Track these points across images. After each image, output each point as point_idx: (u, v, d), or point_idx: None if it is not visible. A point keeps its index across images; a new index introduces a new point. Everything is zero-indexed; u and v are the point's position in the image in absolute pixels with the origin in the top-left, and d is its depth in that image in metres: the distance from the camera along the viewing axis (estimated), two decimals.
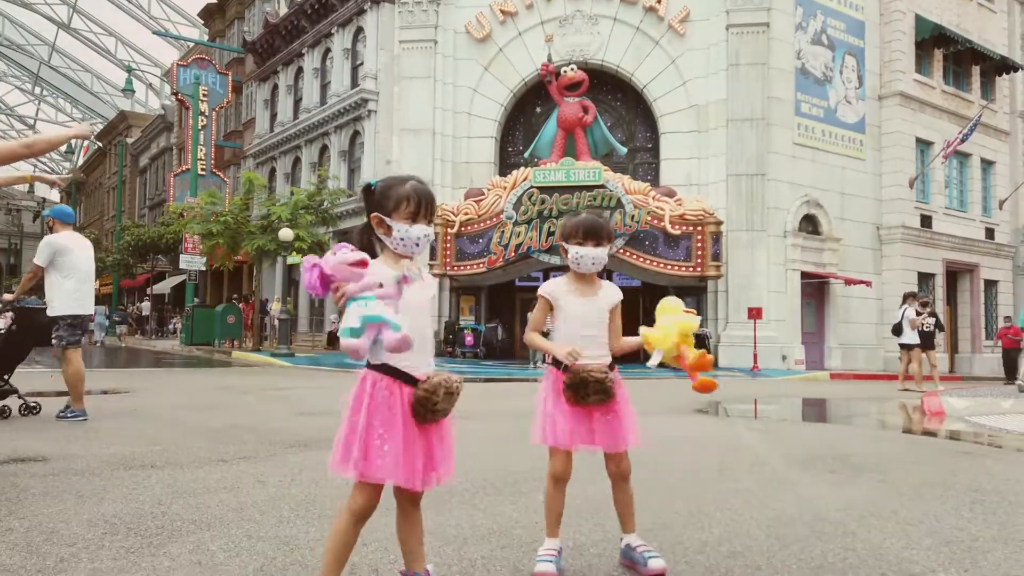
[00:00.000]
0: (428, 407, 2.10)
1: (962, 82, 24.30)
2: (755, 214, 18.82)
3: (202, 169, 30.44)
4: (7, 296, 7.99)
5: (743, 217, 18.81)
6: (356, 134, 23.86)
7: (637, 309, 20.53)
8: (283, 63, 28.17)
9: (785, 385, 14.41)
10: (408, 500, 2.25)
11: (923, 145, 22.45)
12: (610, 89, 21.11)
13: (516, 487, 4.10)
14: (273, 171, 28.63)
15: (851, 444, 6.14)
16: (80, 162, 61.42)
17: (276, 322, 20.98)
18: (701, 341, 17.99)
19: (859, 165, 21.23)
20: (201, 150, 30.60)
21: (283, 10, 28.10)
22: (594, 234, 2.75)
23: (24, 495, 3.72)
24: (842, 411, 9.93)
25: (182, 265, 26.76)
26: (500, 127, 21.48)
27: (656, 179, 20.05)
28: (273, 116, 29.21)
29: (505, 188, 18.76)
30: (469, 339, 19.46)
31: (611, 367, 2.77)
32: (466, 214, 19.04)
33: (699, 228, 17.73)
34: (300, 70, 27.40)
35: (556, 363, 2.75)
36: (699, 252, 17.65)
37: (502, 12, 20.96)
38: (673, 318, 2.73)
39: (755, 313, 17.61)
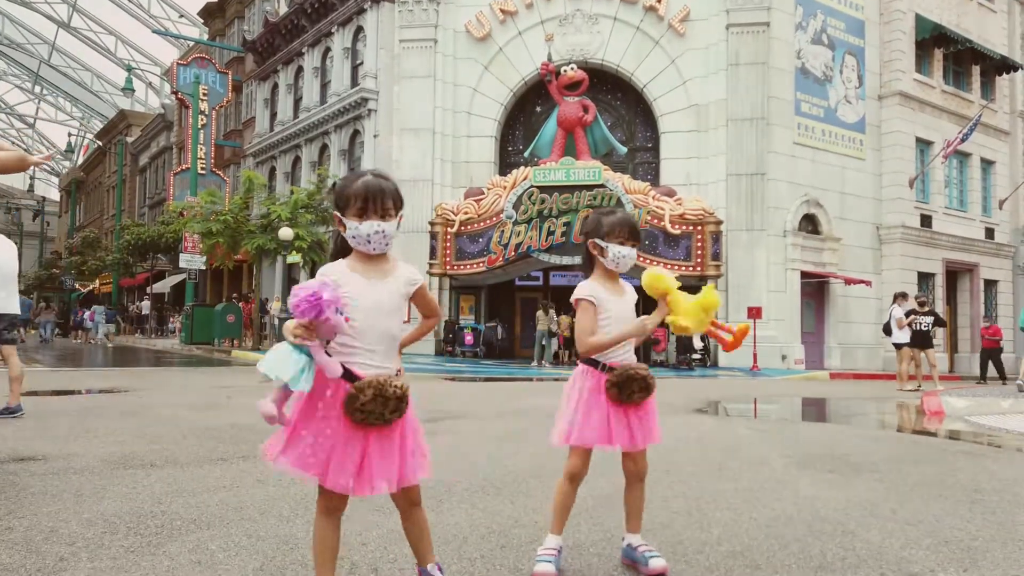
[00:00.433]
0: (353, 406, 2.04)
1: (962, 82, 24.30)
2: (755, 214, 18.82)
3: (202, 168, 30.42)
4: None
5: (743, 217, 18.81)
6: (356, 133, 23.86)
7: (637, 309, 20.54)
8: (283, 62, 28.17)
9: (785, 385, 14.41)
10: (403, 499, 2.26)
11: (923, 145, 22.45)
12: (610, 88, 21.10)
13: (516, 486, 4.10)
14: (273, 170, 28.63)
15: (850, 444, 6.14)
16: (80, 161, 61.43)
17: (276, 321, 20.98)
18: (701, 340, 18.01)
19: (859, 165, 21.23)
20: (201, 149, 30.58)
21: (283, 9, 28.10)
22: (636, 235, 2.79)
23: (23, 494, 3.72)
24: (841, 411, 9.93)
25: (182, 264, 26.75)
26: (500, 126, 21.48)
27: (656, 179, 20.05)
28: (273, 115, 29.20)
29: (505, 187, 18.76)
30: (469, 338, 19.46)
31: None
32: (466, 213, 19.04)
33: (699, 228, 17.74)
34: (300, 69, 27.40)
35: (592, 363, 2.73)
36: (699, 251, 17.65)
37: (502, 11, 20.96)
38: (691, 298, 2.72)
39: (755, 313, 17.62)
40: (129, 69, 35.35)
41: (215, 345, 23.09)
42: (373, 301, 2.16)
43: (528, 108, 21.70)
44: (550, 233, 17.76)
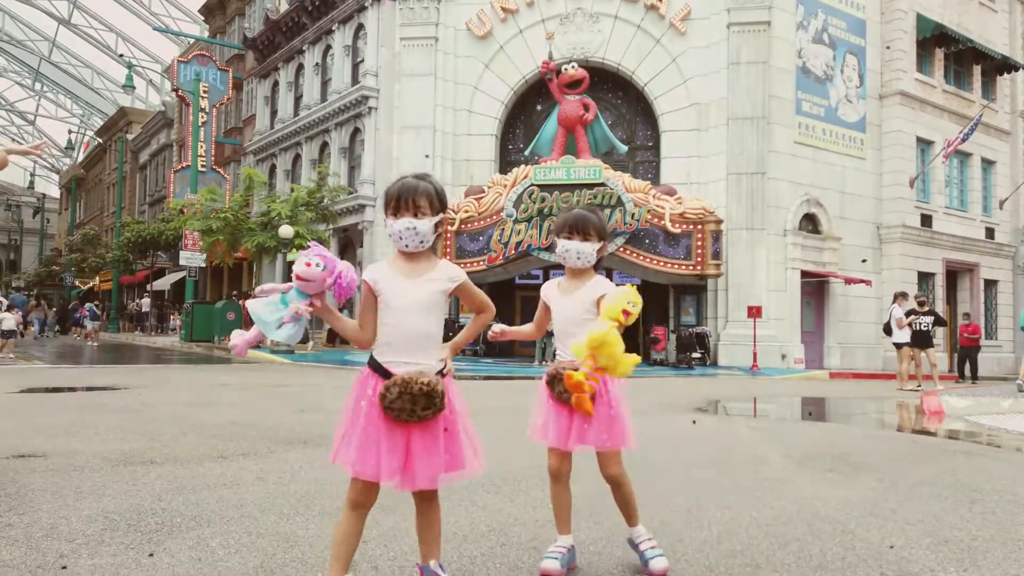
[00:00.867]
0: (384, 403, 2.14)
1: (963, 81, 24.28)
2: (755, 213, 18.81)
3: (202, 165, 30.40)
4: None
5: (743, 216, 18.80)
6: (357, 131, 23.84)
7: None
8: (284, 60, 28.15)
9: (784, 384, 14.42)
10: (420, 497, 2.30)
11: (924, 144, 22.43)
12: (611, 87, 21.08)
13: (515, 485, 4.10)
14: (273, 168, 28.61)
15: (850, 443, 6.14)
16: (80, 158, 61.40)
17: None
18: (701, 340, 18.01)
19: (859, 164, 21.21)
20: (201, 146, 30.56)
21: (284, 7, 28.06)
22: (580, 228, 2.75)
23: (24, 491, 3.73)
24: (841, 410, 9.94)
25: (182, 262, 26.75)
26: (501, 125, 21.46)
27: (656, 177, 20.03)
28: (273, 113, 29.18)
29: (505, 186, 18.75)
30: None
31: None
32: (466, 212, 19.02)
33: (699, 227, 17.72)
34: (301, 67, 27.38)
35: (554, 358, 2.82)
36: (699, 250, 17.63)
37: (503, 9, 20.93)
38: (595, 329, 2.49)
39: (755, 312, 17.61)
40: (129, 66, 35.31)
41: (215, 343, 23.08)
42: (408, 299, 2.24)
43: (529, 106, 21.68)
44: (550, 232, 17.74)
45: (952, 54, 23.50)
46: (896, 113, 21.65)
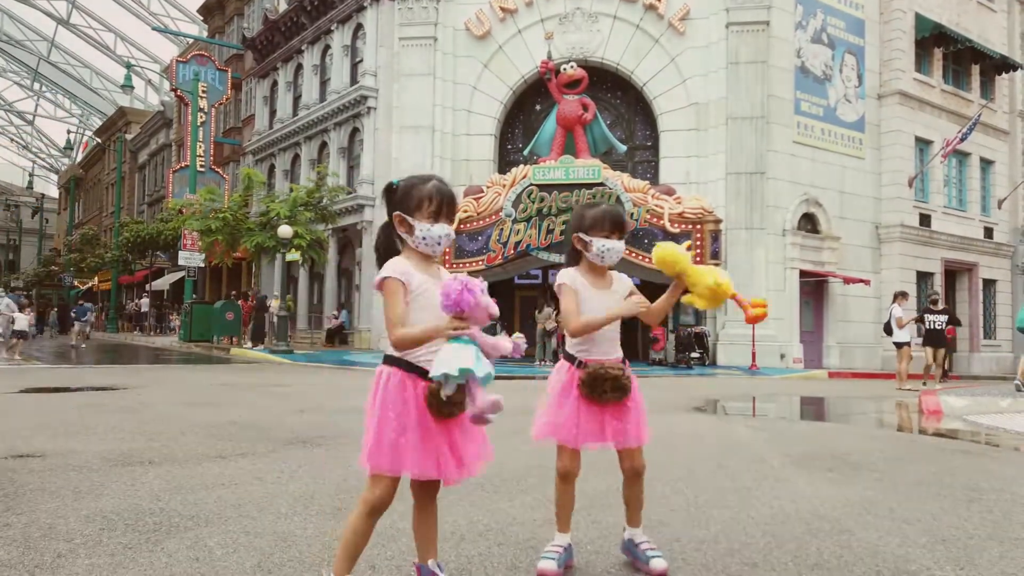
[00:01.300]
0: (440, 400, 2.11)
1: (962, 81, 24.30)
2: (754, 212, 18.82)
3: (201, 165, 30.39)
4: None
5: (742, 215, 18.80)
6: (355, 131, 23.84)
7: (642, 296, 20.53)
8: (282, 60, 28.14)
9: (783, 383, 14.42)
10: (424, 494, 2.30)
11: (922, 144, 22.45)
12: (610, 87, 21.09)
13: (514, 484, 4.10)
14: (272, 168, 28.61)
15: (848, 443, 6.15)
16: (79, 158, 61.36)
17: (275, 319, 20.97)
18: (700, 339, 18.02)
19: (858, 164, 21.22)
20: (200, 146, 30.55)
21: (282, 7, 28.06)
22: (620, 227, 2.74)
23: (21, 491, 3.73)
24: (840, 410, 9.94)
25: (181, 262, 26.74)
26: (500, 125, 21.46)
27: (655, 177, 20.04)
28: (272, 113, 29.18)
29: (504, 186, 18.75)
30: None
31: (624, 361, 2.75)
32: (465, 211, 19.02)
33: (698, 226, 17.73)
34: (300, 67, 27.38)
35: (570, 358, 2.73)
36: (698, 250, 17.64)
37: (502, 9, 20.93)
38: (706, 275, 2.66)
39: None
40: (128, 66, 35.29)
41: (214, 343, 23.08)
42: (434, 300, 2.20)
43: (528, 106, 21.68)
44: (549, 231, 17.75)
45: (951, 54, 23.51)
46: (895, 113, 21.66)
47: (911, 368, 14.02)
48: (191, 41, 39.39)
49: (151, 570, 2.61)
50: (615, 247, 2.71)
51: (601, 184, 18.01)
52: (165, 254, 36.02)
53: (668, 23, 19.97)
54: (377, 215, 21.74)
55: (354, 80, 23.95)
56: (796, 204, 19.32)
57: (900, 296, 14.35)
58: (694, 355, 17.73)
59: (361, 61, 23.72)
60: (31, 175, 65.61)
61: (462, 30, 21.23)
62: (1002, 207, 24.78)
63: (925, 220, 22.07)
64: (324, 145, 25.61)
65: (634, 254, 17.82)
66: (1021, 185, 25.34)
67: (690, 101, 19.77)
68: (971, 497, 4.05)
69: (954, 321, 14.13)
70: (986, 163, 24.51)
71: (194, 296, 27.06)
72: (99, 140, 55.47)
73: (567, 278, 2.74)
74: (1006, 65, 24.34)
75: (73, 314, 25.60)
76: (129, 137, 47.76)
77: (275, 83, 29.06)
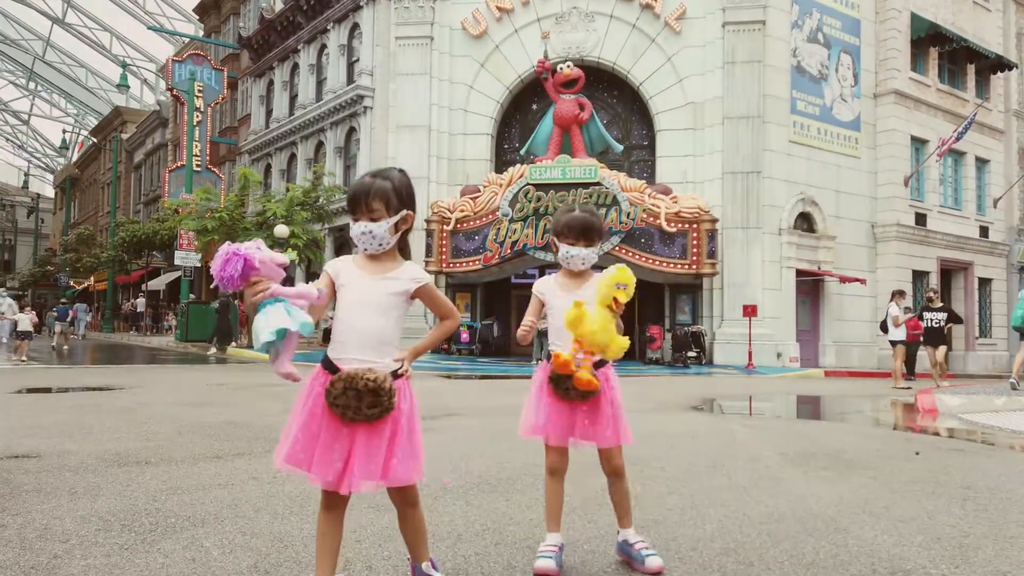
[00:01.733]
0: (328, 399, 2.09)
1: (957, 80, 24.35)
2: (750, 212, 18.84)
3: (197, 165, 30.33)
4: None
5: (738, 215, 18.83)
6: (352, 130, 23.81)
7: (632, 307, 20.55)
8: (279, 59, 28.09)
9: (780, 382, 14.45)
10: (399, 500, 2.29)
11: (918, 143, 22.49)
12: (606, 86, 21.09)
13: (510, 484, 4.11)
14: (268, 167, 28.56)
15: (844, 441, 6.16)
16: (74, 157, 61.21)
17: None
18: (697, 339, 18.04)
19: (854, 163, 21.26)
20: (196, 146, 30.48)
21: (278, 6, 28.01)
22: (586, 234, 2.76)
23: (17, 491, 3.72)
24: (836, 408, 9.97)
25: (177, 261, 26.67)
26: (496, 124, 21.45)
27: (652, 176, 20.05)
28: (269, 112, 29.13)
29: (501, 185, 18.75)
30: (465, 336, 19.46)
31: (600, 364, 2.75)
32: (462, 211, 19.03)
33: (695, 226, 17.75)
34: (296, 66, 27.33)
35: (549, 357, 2.76)
36: (695, 249, 17.66)
37: (498, 9, 20.92)
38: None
39: (750, 311, 17.64)
40: (124, 65, 35.21)
41: (210, 343, 23.03)
42: (361, 297, 2.20)
43: (524, 106, 21.68)
44: (546, 231, 17.72)
45: (946, 53, 23.56)
46: (890, 112, 21.71)
47: (917, 368, 13.98)
48: (187, 40, 39.30)
49: (147, 571, 2.61)
50: (579, 254, 2.76)
51: (598, 183, 18.02)
52: (161, 254, 35.96)
53: (664, 22, 19.98)
54: None
55: (350, 79, 23.92)
56: (792, 203, 19.35)
57: (897, 295, 14.32)
58: (691, 354, 17.76)
59: (357, 60, 23.69)
60: (26, 175, 65.41)
61: (458, 29, 21.23)
62: (997, 206, 24.83)
63: (921, 219, 22.12)
64: (320, 144, 25.58)
65: (630, 253, 17.85)
66: (1016, 184, 25.41)
67: (686, 100, 19.78)
68: (966, 496, 4.06)
69: (954, 318, 13.73)
70: (981, 162, 24.57)
71: (191, 296, 27.01)
72: (95, 140, 55.32)
73: (538, 285, 2.88)
74: (1001, 64, 24.40)
75: (54, 314, 24.32)
76: (125, 136, 47.64)
77: (271, 82, 29.01)
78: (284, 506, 3.53)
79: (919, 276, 21.96)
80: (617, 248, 17.79)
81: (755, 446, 5.73)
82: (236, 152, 32.49)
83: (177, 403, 7.90)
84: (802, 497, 3.95)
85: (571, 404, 2.69)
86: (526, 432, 2.78)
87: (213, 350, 20.74)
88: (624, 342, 2.54)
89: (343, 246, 24.74)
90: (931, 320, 13.34)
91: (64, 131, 61.46)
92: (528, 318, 2.78)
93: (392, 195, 2.21)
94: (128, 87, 35.57)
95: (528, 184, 18.32)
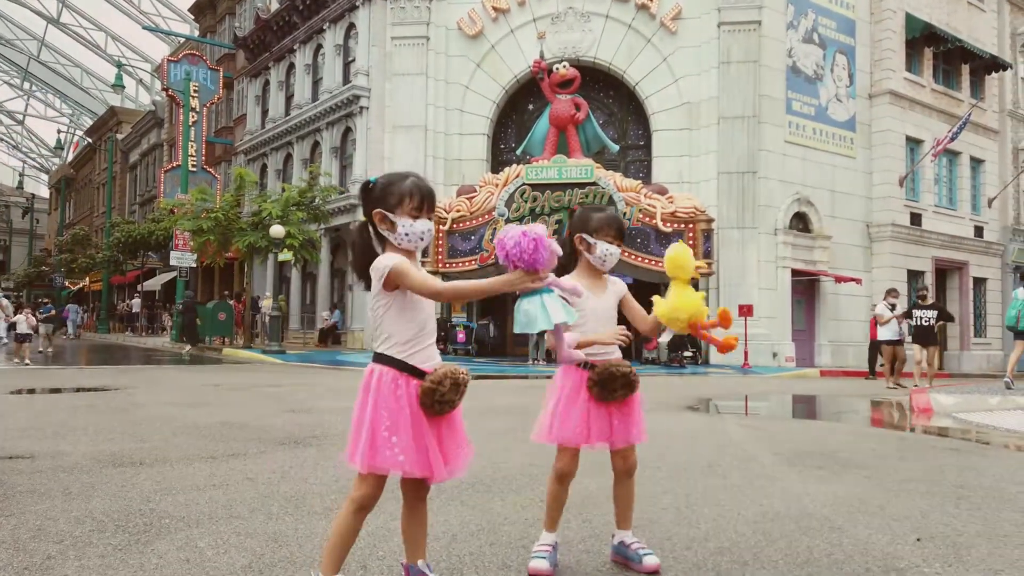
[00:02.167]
0: (435, 398, 2.13)
1: (952, 81, 24.42)
2: (746, 212, 18.87)
3: (193, 165, 30.25)
4: None
5: (734, 215, 18.86)
6: (348, 130, 23.79)
7: (636, 300, 20.55)
8: (274, 59, 28.06)
9: (775, 382, 14.47)
10: (414, 494, 2.30)
11: (913, 143, 22.56)
12: (602, 86, 21.11)
13: (506, 484, 4.11)
14: (264, 167, 28.52)
15: (839, 440, 6.17)
16: (69, 158, 61.04)
17: (267, 319, 20.93)
18: (693, 339, 18.01)
19: (849, 163, 21.31)
20: (192, 146, 30.41)
21: (274, 6, 27.97)
22: (622, 234, 2.80)
23: (11, 492, 3.71)
24: (831, 408, 9.99)
25: (172, 262, 26.57)
26: (492, 124, 21.46)
27: (648, 176, 20.08)
28: (264, 112, 29.09)
29: (497, 185, 18.76)
30: (461, 336, 19.45)
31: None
32: (458, 211, 19.03)
33: (690, 225, 17.77)
34: (292, 66, 27.30)
35: (586, 365, 2.71)
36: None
37: (494, 9, 20.93)
38: (684, 298, 2.68)
39: (746, 310, 17.67)
40: (119, 66, 35.13)
41: (206, 343, 22.99)
42: (418, 298, 2.23)
43: (520, 106, 21.69)
44: (577, 227, 17.74)
45: (941, 53, 23.63)
46: (885, 112, 21.77)
47: (906, 367, 13.74)
48: (182, 40, 39.23)
49: (141, 571, 2.60)
50: (616, 253, 2.77)
51: (594, 184, 18.04)
52: (157, 254, 35.88)
53: (660, 23, 20.01)
54: None
55: (346, 79, 23.90)
56: (788, 203, 19.39)
57: (889, 293, 13.95)
58: (687, 354, 17.78)
59: (353, 60, 23.67)
60: (21, 175, 65.22)
61: (454, 29, 21.22)
62: (992, 206, 24.93)
63: (916, 219, 22.18)
64: (316, 145, 25.55)
65: (627, 253, 17.84)
66: (1011, 184, 25.50)
67: (682, 101, 19.81)
68: (960, 495, 4.07)
69: (945, 316, 13.35)
70: (976, 162, 24.65)
71: (188, 293, 26.95)
72: (90, 140, 55.17)
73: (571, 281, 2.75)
74: (996, 65, 24.48)
75: (38, 315, 23.91)
76: (120, 137, 47.52)
77: (267, 82, 28.97)
78: (279, 506, 3.52)
79: (914, 276, 22.02)
80: None
81: (750, 446, 5.74)
82: (232, 152, 32.43)
83: (172, 404, 7.89)
84: (797, 496, 3.95)
85: (607, 406, 2.69)
86: (552, 438, 2.69)
87: (188, 348, 20.77)
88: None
89: (339, 246, 24.70)
90: (921, 318, 12.88)
91: (59, 131, 61.32)
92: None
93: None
94: (123, 87, 35.50)
95: (524, 184, 18.33)
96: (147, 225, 33.82)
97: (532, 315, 2.06)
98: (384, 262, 2.14)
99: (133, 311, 35.85)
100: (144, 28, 36.54)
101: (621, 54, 20.35)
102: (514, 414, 7.36)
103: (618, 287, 2.85)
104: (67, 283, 46.48)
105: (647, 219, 17.79)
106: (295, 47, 26.65)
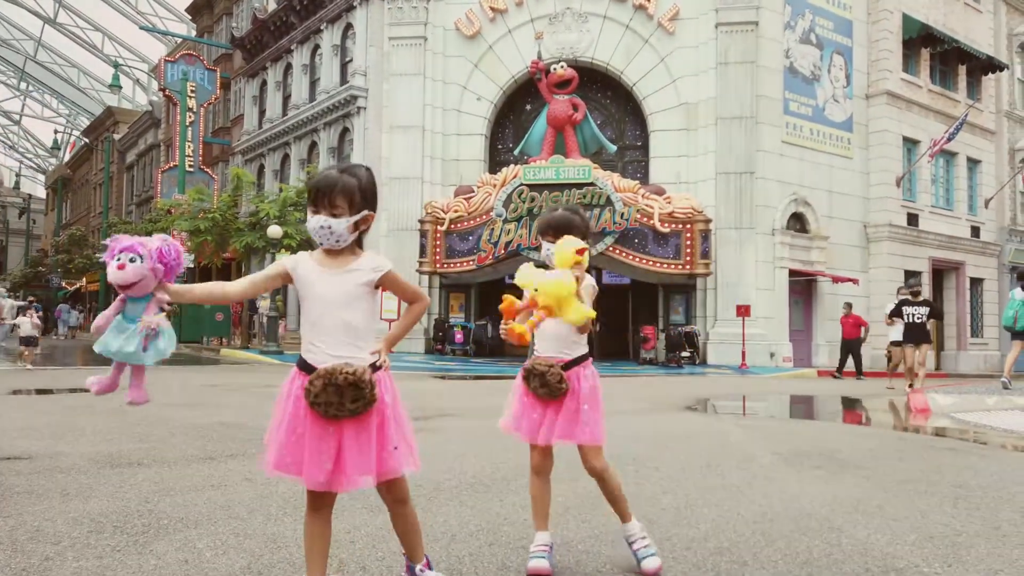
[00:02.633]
0: (308, 398, 2.06)
1: (948, 81, 24.47)
2: (744, 212, 18.89)
3: (190, 166, 30.24)
4: None
5: (732, 215, 18.88)
6: (345, 131, 23.77)
7: (626, 306, 20.59)
8: (272, 59, 28.02)
9: (773, 382, 14.49)
10: (388, 497, 2.28)
11: (910, 144, 22.59)
12: (600, 87, 21.12)
13: (504, 484, 4.10)
14: (262, 168, 28.49)
15: (837, 440, 6.18)
16: (66, 158, 60.92)
17: (264, 319, 20.90)
18: (690, 339, 18.06)
19: (847, 163, 21.34)
20: (189, 146, 30.40)
21: (271, 6, 27.94)
22: (556, 231, 2.74)
23: (8, 493, 3.70)
24: (829, 408, 10.00)
25: None
26: (490, 124, 21.45)
27: (645, 177, 20.09)
28: (262, 113, 29.05)
29: (495, 186, 18.76)
30: (459, 337, 19.44)
31: (577, 362, 2.73)
32: (456, 211, 19.03)
33: (688, 226, 17.78)
34: (289, 66, 27.27)
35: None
36: (688, 250, 17.70)
37: (492, 9, 20.92)
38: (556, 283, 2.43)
39: (743, 311, 17.69)
40: (116, 66, 35.07)
41: (203, 344, 22.97)
42: (324, 292, 2.16)
43: (518, 106, 21.68)
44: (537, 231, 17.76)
45: (938, 54, 23.67)
46: (882, 113, 21.80)
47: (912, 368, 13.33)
48: (179, 40, 39.16)
49: (140, 572, 2.59)
50: (551, 249, 2.73)
51: (591, 184, 18.04)
52: None
53: (658, 23, 20.02)
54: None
55: (344, 80, 23.89)
56: (785, 204, 19.42)
57: (899, 292, 13.39)
58: (684, 354, 17.78)
59: (351, 61, 23.66)
60: (18, 175, 65.08)
61: (452, 30, 21.22)
62: (989, 206, 24.98)
63: (913, 219, 22.22)
64: (314, 145, 25.53)
65: (624, 254, 17.88)
66: (1007, 184, 25.56)
67: (680, 101, 19.82)
68: (958, 494, 4.08)
69: (936, 314, 12.59)
70: (973, 163, 24.70)
71: None
72: (87, 140, 55.07)
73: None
74: (992, 65, 24.53)
75: (60, 315, 23.24)
76: (117, 137, 47.45)
77: (264, 83, 28.94)
78: (277, 507, 3.52)
79: (911, 276, 22.05)
80: (611, 248, 17.81)
81: (749, 446, 5.74)
82: (229, 152, 32.40)
83: (169, 404, 7.87)
84: (796, 496, 3.96)
85: (543, 402, 2.70)
86: (503, 426, 2.82)
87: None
88: (586, 310, 2.45)
89: None
90: (912, 315, 12.17)
91: (56, 131, 61.16)
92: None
93: (357, 193, 2.17)
94: (120, 87, 35.45)
95: (522, 184, 18.33)
96: (144, 225, 33.73)
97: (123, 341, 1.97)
98: (283, 259, 2.24)
99: None
100: (141, 28, 36.45)
101: (619, 54, 20.36)
102: None
103: (585, 283, 2.69)
104: (64, 284, 46.38)
105: (645, 219, 17.80)
106: (292, 47, 26.63)
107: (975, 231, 24.48)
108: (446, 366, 16.07)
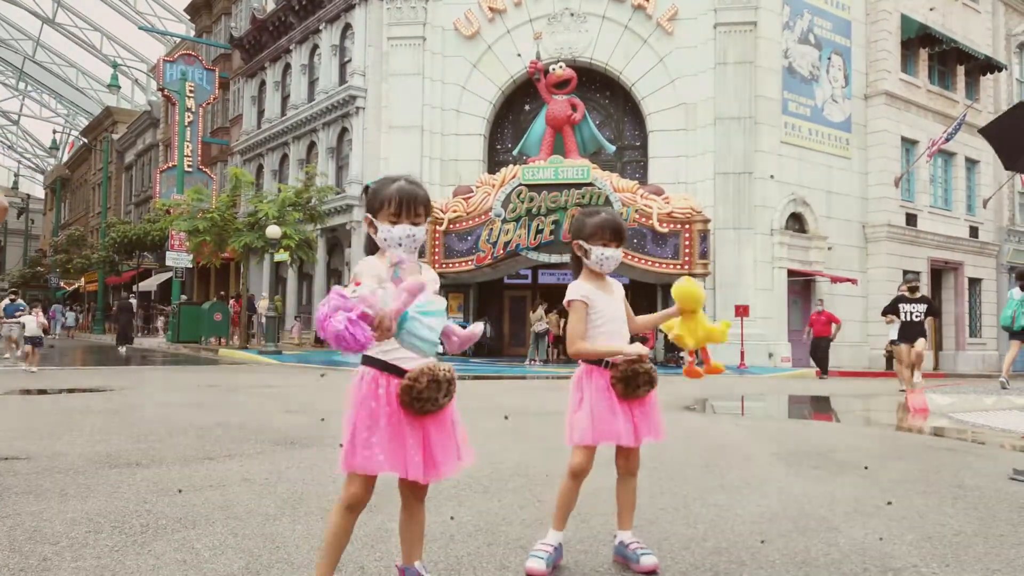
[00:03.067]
0: (412, 395, 2.11)
1: (947, 81, 24.50)
2: (742, 212, 18.90)
3: (189, 165, 30.22)
4: None
5: (730, 215, 18.89)
6: (344, 131, 23.77)
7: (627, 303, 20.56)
8: (270, 59, 28.02)
9: (772, 382, 14.49)
10: (411, 495, 2.30)
11: (908, 144, 22.62)
12: (598, 87, 21.13)
13: (503, 484, 4.10)
14: (260, 168, 28.48)
15: (836, 440, 6.18)
16: (65, 158, 60.88)
17: (263, 320, 20.88)
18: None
19: (845, 164, 21.36)
20: (188, 146, 30.37)
21: (270, 6, 27.94)
22: (620, 235, 2.79)
23: (6, 493, 3.69)
24: (827, 408, 10.00)
25: (168, 262, 26.57)
26: (489, 125, 21.46)
27: (644, 177, 20.10)
28: (260, 112, 29.04)
29: (494, 186, 18.75)
30: None
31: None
32: (455, 212, 19.01)
33: (687, 226, 17.79)
34: (288, 66, 27.27)
35: (595, 362, 2.75)
36: (687, 250, 17.70)
37: (491, 9, 20.93)
38: (703, 325, 3.09)
39: (742, 311, 17.70)
40: (115, 66, 35.04)
41: (202, 344, 22.95)
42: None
43: (517, 106, 21.70)
44: (539, 231, 17.76)
45: (936, 54, 23.70)
46: (881, 113, 21.82)
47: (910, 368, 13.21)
48: (178, 40, 39.15)
49: (138, 572, 2.59)
50: (614, 255, 2.78)
51: (590, 184, 18.04)
52: (152, 255, 35.80)
53: (656, 23, 20.03)
54: None
55: (342, 80, 23.89)
56: (784, 204, 19.43)
57: (900, 288, 13.19)
58: (683, 354, 17.78)
59: (349, 61, 23.66)
60: (16, 175, 65.00)
61: (451, 30, 21.22)
62: (987, 206, 24.98)
63: (911, 219, 22.24)
64: (313, 145, 25.53)
65: (624, 254, 17.82)
66: (1006, 184, 25.57)
67: (679, 101, 19.83)
68: (956, 494, 4.08)
69: (933, 312, 12.18)
70: (971, 163, 24.72)
71: (182, 297, 26.91)
72: (85, 140, 55.03)
73: (578, 294, 2.77)
74: (991, 66, 24.56)
75: (54, 316, 22.55)
76: (116, 137, 47.41)
77: (263, 83, 28.93)
78: (276, 507, 3.52)
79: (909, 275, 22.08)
80: None
81: (747, 446, 5.75)
82: (228, 152, 32.39)
83: (168, 404, 7.87)
84: (794, 496, 3.96)
85: (630, 404, 2.74)
86: (588, 439, 2.68)
87: (123, 348, 20.94)
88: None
89: (335, 247, 24.70)
90: (909, 313, 11.69)
91: (54, 131, 61.15)
92: (585, 329, 2.75)
93: (428, 203, 2.31)
94: (119, 87, 35.43)
95: (521, 185, 18.32)
96: (143, 226, 33.76)
97: (426, 337, 1.95)
98: (358, 267, 2.19)
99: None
100: (140, 28, 36.39)
101: (617, 55, 20.36)
102: (512, 414, 7.36)
103: (621, 291, 2.92)
104: (62, 284, 46.36)
105: (643, 219, 17.80)
106: (291, 47, 26.63)
107: (973, 231, 24.50)
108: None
